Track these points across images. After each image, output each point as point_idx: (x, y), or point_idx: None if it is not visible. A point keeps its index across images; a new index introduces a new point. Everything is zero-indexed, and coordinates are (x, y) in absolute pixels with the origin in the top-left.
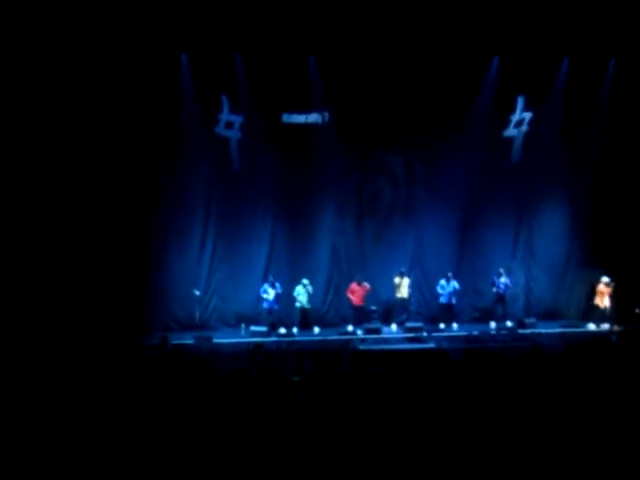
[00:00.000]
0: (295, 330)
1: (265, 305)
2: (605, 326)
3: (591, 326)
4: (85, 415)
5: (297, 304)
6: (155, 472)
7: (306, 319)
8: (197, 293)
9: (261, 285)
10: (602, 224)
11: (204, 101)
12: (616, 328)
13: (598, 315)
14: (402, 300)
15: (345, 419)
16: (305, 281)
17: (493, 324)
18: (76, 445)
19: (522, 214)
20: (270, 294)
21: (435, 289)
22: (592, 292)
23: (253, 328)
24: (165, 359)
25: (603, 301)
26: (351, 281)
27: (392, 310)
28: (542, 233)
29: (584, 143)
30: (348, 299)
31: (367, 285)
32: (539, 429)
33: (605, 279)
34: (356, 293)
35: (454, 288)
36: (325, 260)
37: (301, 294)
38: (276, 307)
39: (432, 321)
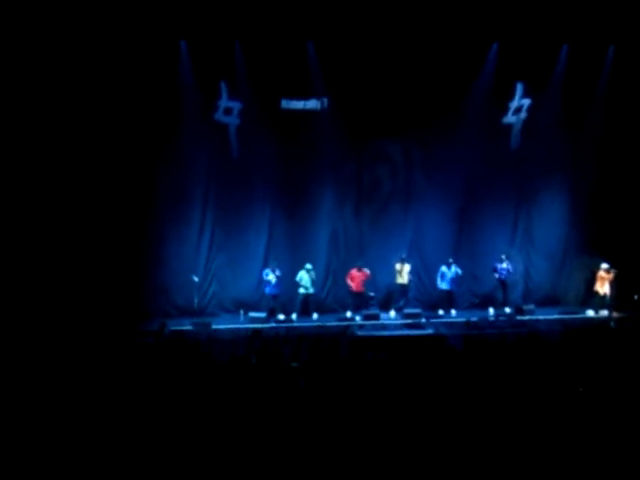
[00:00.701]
0: (294, 316)
1: (267, 290)
2: (604, 313)
3: (590, 312)
4: (85, 401)
5: (301, 290)
6: (154, 457)
7: (306, 305)
8: (196, 280)
9: (262, 270)
10: (601, 211)
11: (203, 88)
12: (615, 315)
13: (597, 302)
14: (402, 286)
15: (344, 405)
16: (308, 266)
17: (492, 310)
18: (75, 430)
19: (521, 201)
20: (272, 279)
21: (434, 275)
22: (592, 278)
23: (252, 314)
24: (163, 345)
25: (603, 287)
26: (350, 267)
27: (391, 296)
28: (541, 220)
29: (583, 130)
30: (347, 285)
31: (367, 271)
32: (537, 415)
33: (605, 265)
34: (356, 279)
35: (456, 274)
36: (324, 247)
37: (304, 279)
38: (277, 292)
39: (431, 307)
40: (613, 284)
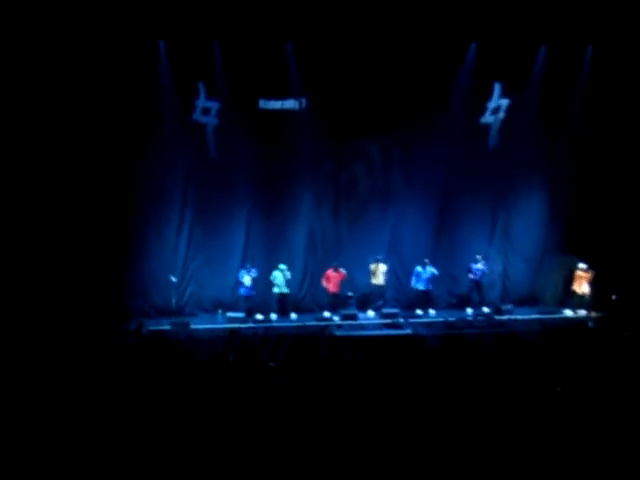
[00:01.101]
0: (274, 316)
1: (242, 292)
2: (582, 312)
3: (568, 312)
4: (64, 400)
5: (275, 289)
6: (133, 454)
7: (284, 305)
8: (174, 280)
9: (238, 271)
10: (579, 211)
11: (181, 88)
12: (593, 314)
13: (576, 301)
14: (378, 287)
15: (321, 405)
16: (282, 266)
17: (470, 310)
18: (52, 428)
19: (499, 201)
20: (247, 280)
21: (412, 275)
22: (570, 278)
23: (230, 314)
24: (142, 345)
25: (581, 287)
26: (327, 268)
27: (369, 296)
28: (519, 220)
29: (561, 130)
30: (324, 286)
31: (343, 271)
32: (515, 414)
33: (583, 265)
34: (332, 280)
35: (431, 274)
36: (301, 247)
37: (278, 279)
38: (253, 293)
39: (409, 307)
40: (591, 284)
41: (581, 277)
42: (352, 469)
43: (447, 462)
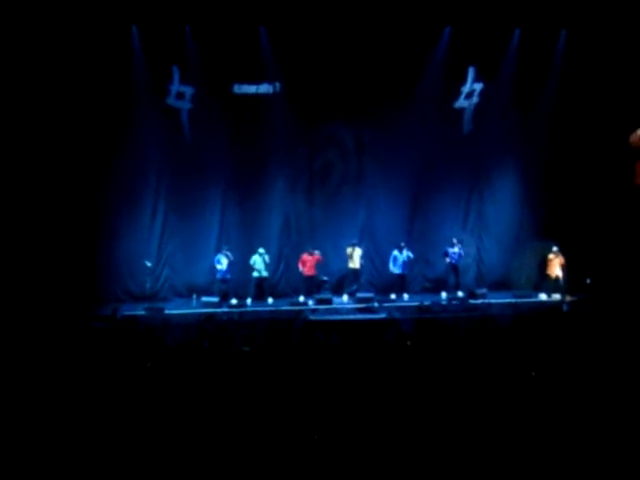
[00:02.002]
0: (249, 301)
1: (218, 275)
2: (556, 296)
3: (542, 296)
4: (37, 386)
5: (254, 273)
6: (105, 442)
7: (262, 289)
8: (148, 264)
9: (214, 255)
10: (554, 194)
11: (155, 72)
12: (568, 298)
13: (550, 285)
14: (354, 271)
15: (296, 389)
16: (261, 250)
17: (444, 294)
18: (24, 415)
19: (474, 185)
20: (223, 264)
21: (386, 259)
22: (544, 262)
23: (204, 299)
24: (116, 330)
25: (554, 270)
26: (302, 252)
27: (343, 281)
28: (494, 204)
29: (535, 114)
30: (299, 270)
31: (318, 254)
32: (489, 398)
33: (554, 248)
34: (307, 263)
35: (408, 257)
36: (276, 231)
37: (258, 263)
38: (229, 276)
39: (383, 291)
40: (564, 267)
41: (552, 260)
42: (328, 453)
43: (421, 445)
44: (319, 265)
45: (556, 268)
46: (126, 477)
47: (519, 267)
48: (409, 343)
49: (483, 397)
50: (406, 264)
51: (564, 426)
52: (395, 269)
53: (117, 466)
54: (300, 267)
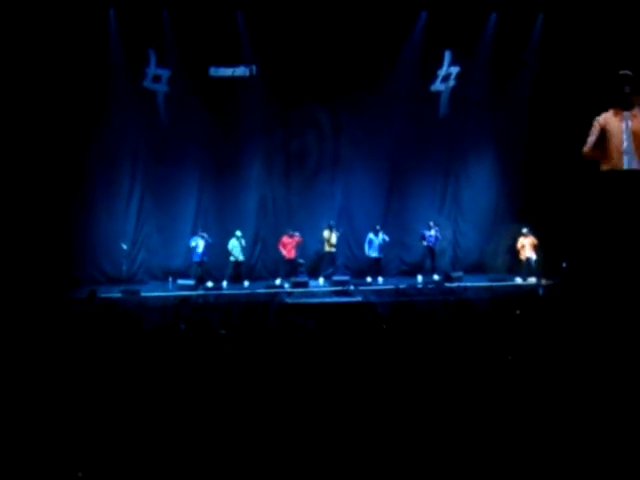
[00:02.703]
0: (225, 283)
1: (195, 257)
2: (532, 280)
3: (518, 280)
4: (13, 370)
5: (231, 257)
6: (80, 428)
7: (239, 272)
8: (124, 247)
9: (190, 238)
10: (530, 178)
11: (131, 55)
12: (544, 282)
13: (523, 268)
14: (330, 254)
15: (273, 372)
16: (238, 233)
17: (420, 278)
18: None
19: (450, 168)
20: (200, 246)
21: (363, 242)
22: (514, 245)
23: (180, 281)
24: (92, 313)
25: (525, 252)
26: (281, 234)
27: (319, 263)
28: (470, 187)
29: (512, 97)
30: (280, 252)
31: (298, 236)
32: (465, 382)
33: (524, 229)
34: (287, 245)
35: (383, 241)
36: (253, 214)
37: (235, 247)
38: (205, 259)
39: (359, 275)
40: (536, 248)
41: (523, 242)
42: (304, 435)
43: (400, 430)
44: (299, 247)
45: (527, 250)
46: (103, 461)
47: (493, 250)
48: (385, 327)
49: (461, 380)
50: (382, 247)
51: (541, 411)
52: (371, 252)
53: (94, 450)
54: (281, 250)
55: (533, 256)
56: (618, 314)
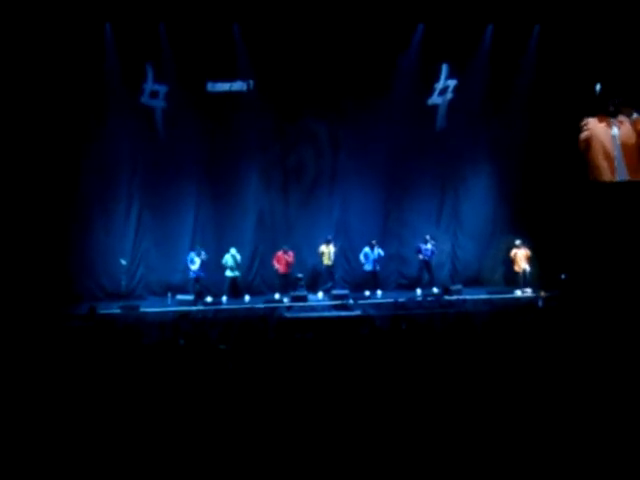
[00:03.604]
0: (224, 298)
1: (192, 274)
2: (528, 291)
3: (517, 292)
4: (13, 386)
5: (227, 273)
6: (80, 443)
7: (236, 287)
8: (124, 263)
9: (187, 254)
10: (528, 191)
11: (129, 71)
12: (542, 294)
13: (519, 280)
14: (328, 268)
15: (273, 386)
16: (233, 250)
17: (419, 291)
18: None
19: (448, 181)
20: (196, 262)
21: (360, 256)
22: (510, 258)
23: (179, 297)
24: (92, 329)
25: (520, 264)
26: (277, 250)
27: (318, 278)
28: (468, 200)
29: (509, 110)
30: (274, 267)
31: (291, 255)
32: (465, 394)
33: (517, 241)
34: (282, 261)
35: (378, 255)
36: (251, 229)
37: (229, 262)
38: (202, 275)
39: (358, 288)
40: (529, 259)
41: (517, 254)
42: (304, 450)
43: (398, 438)
44: (293, 264)
45: (522, 262)
46: (100, 473)
47: (490, 263)
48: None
49: (460, 392)
50: (377, 261)
51: (542, 420)
52: (366, 266)
53: (91, 463)
54: (275, 265)
55: (527, 267)
56: (616, 324)
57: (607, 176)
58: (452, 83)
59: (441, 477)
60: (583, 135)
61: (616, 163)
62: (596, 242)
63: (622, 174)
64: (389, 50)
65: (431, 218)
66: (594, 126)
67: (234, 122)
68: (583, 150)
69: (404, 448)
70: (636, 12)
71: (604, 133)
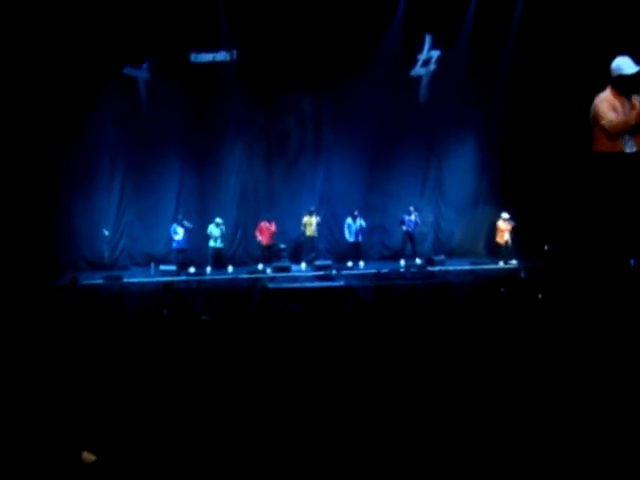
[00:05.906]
0: (208, 269)
1: (175, 245)
2: (513, 262)
3: (500, 263)
4: None
5: (210, 243)
6: (62, 413)
7: (219, 258)
8: (106, 233)
9: (171, 225)
10: (510, 161)
11: (111, 42)
12: (525, 265)
13: (502, 252)
14: (311, 238)
15: (255, 357)
16: (218, 220)
17: (402, 262)
18: None
19: (431, 152)
20: (179, 233)
21: (343, 227)
22: (494, 228)
23: (162, 267)
24: (75, 300)
25: (503, 237)
26: (260, 221)
27: (301, 248)
28: (451, 171)
29: (492, 81)
30: (257, 238)
31: (274, 225)
32: (448, 365)
33: (505, 215)
34: (265, 232)
35: (360, 226)
36: (234, 199)
37: (214, 233)
38: (186, 246)
39: (341, 259)
40: (512, 234)
41: (501, 228)
42: (287, 418)
43: (382, 413)
44: (276, 234)
45: (505, 235)
46: (83, 443)
47: (475, 234)
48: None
49: (443, 363)
50: (359, 232)
51: (520, 393)
52: (349, 237)
53: (75, 437)
54: (258, 236)
55: (509, 240)
56: (599, 295)
57: (618, 146)
58: (435, 54)
59: (426, 451)
60: (595, 106)
61: (626, 137)
62: (593, 213)
63: (631, 147)
64: (373, 21)
65: (414, 189)
66: (609, 97)
67: (217, 93)
68: (592, 121)
69: (388, 420)
70: None
71: (619, 104)
